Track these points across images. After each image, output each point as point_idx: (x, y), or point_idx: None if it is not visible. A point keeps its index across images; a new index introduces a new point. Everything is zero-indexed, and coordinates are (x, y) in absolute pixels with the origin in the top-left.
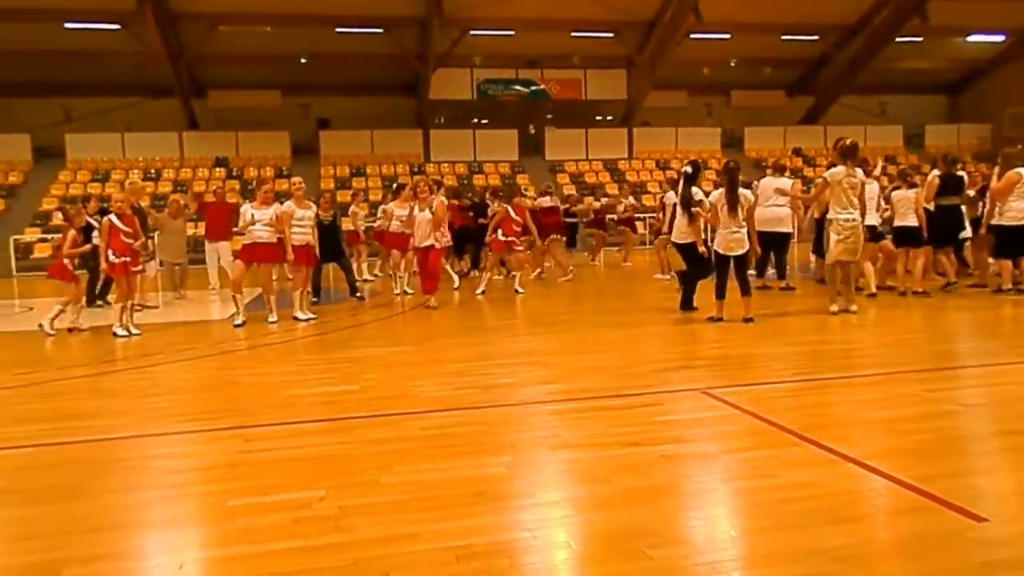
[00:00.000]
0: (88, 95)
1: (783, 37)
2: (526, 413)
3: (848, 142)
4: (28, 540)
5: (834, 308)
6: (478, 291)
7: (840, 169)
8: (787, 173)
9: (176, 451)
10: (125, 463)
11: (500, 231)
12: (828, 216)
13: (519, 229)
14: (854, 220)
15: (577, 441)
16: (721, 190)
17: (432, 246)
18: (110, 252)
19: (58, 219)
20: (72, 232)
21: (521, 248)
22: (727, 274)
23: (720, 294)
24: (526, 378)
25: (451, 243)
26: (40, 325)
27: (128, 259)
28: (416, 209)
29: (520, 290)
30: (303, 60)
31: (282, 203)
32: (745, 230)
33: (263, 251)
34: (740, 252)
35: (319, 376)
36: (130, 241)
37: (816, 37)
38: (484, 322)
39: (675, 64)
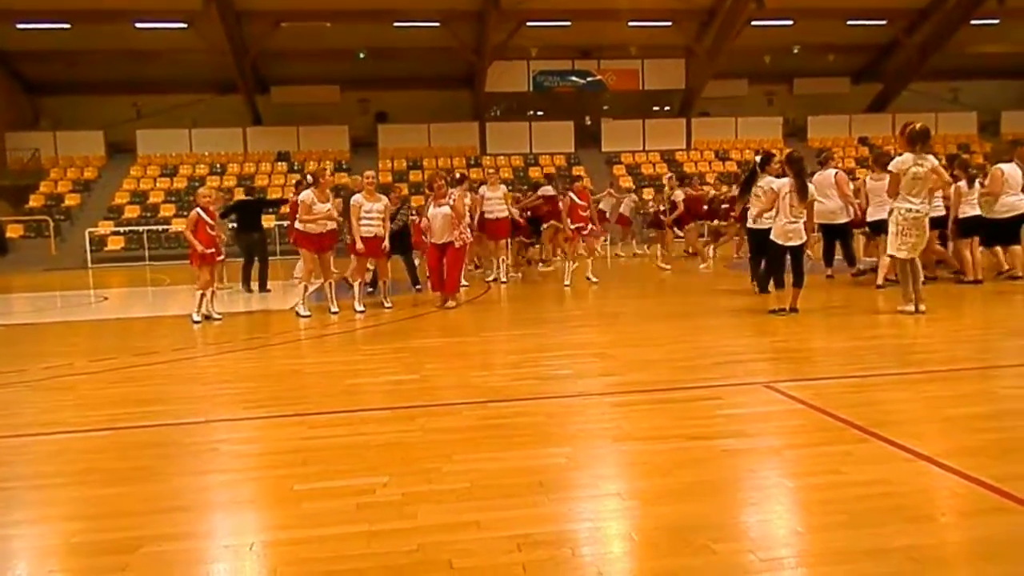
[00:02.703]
0: (157, 92)
1: (848, 22)
2: (586, 405)
3: (918, 127)
4: (107, 519)
5: (906, 308)
6: (565, 283)
7: (907, 157)
8: (833, 164)
9: (244, 436)
10: (196, 447)
11: (569, 220)
12: (892, 205)
13: (586, 214)
14: (917, 212)
15: (638, 433)
16: (787, 180)
17: (450, 243)
18: (197, 243)
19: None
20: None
21: (588, 233)
22: (785, 264)
23: (779, 284)
24: (585, 370)
25: (472, 239)
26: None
27: (213, 250)
28: (432, 206)
29: (593, 278)
30: (361, 55)
31: (340, 195)
32: (803, 221)
33: (326, 240)
34: (798, 242)
35: (381, 365)
36: (214, 233)
37: (884, 21)
38: (541, 314)
39: (735, 52)
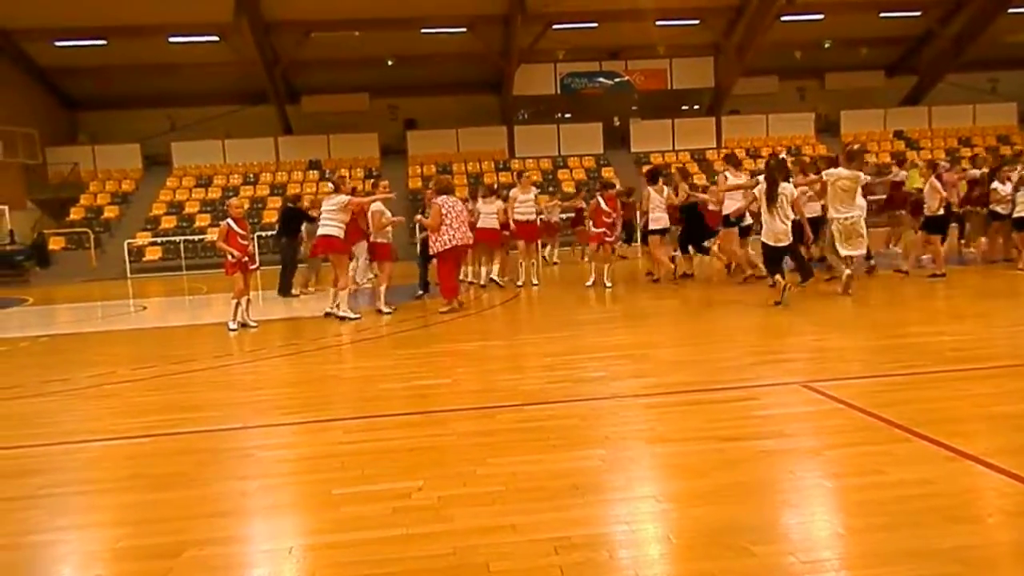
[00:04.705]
0: (191, 105)
1: (881, 15)
2: (620, 407)
3: (855, 147)
4: (151, 523)
5: (839, 288)
6: (607, 284)
7: (839, 171)
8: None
9: (281, 442)
10: (235, 453)
11: (592, 223)
12: (828, 215)
13: (610, 220)
14: (848, 217)
15: (673, 435)
16: (763, 184)
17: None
18: (231, 250)
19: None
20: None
21: (612, 239)
22: (780, 262)
23: (774, 280)
24: (618, 372)
25: (447, 247)
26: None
27: (246, 259)
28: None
29: (609, 284)
30: (390, 63)
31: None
32: (790, 222)
33: (336, 244)
34: (786, 243)
35: (414, 370)
36: (245, 243)
37: (918, 13)
38: (572, 316)
39: (765, 48)
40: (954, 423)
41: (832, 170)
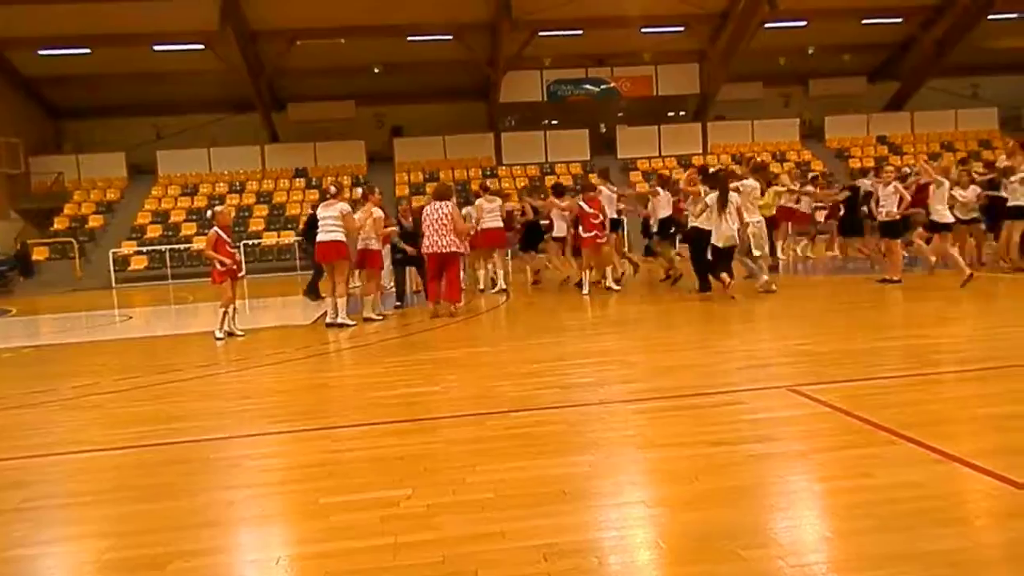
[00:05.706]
0: (176, 113)
1: (863, 21)
2: (608, 412)
3: (759, 160)
4: (137, 535)
5: (766, 286)
6: (584, 292)
7: (751, 182)
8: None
9: (269, 451)
10: (222, 463)
11: (581, 228)
12: (745, 220)
13: (598, 222)
14: (760, 221)
15: (661, 440)
16: (715, 193)
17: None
18: (221, 259)
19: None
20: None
21: (604, 241)
22: (729, 262)
23: (730, 275)
24: (606, 377)
25: (424, 252)
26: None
27: (234, 267)
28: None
29: (615, 287)
30: (376, 70)
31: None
32: (736, 227)
33: (344, 250)
34: (732, 245)
35: (402, 378)
36: (233, 251)
37: (899, 19)
38: (560, 322)
39: (749, 55)
40: (940, 425)
41: (745, 181)
